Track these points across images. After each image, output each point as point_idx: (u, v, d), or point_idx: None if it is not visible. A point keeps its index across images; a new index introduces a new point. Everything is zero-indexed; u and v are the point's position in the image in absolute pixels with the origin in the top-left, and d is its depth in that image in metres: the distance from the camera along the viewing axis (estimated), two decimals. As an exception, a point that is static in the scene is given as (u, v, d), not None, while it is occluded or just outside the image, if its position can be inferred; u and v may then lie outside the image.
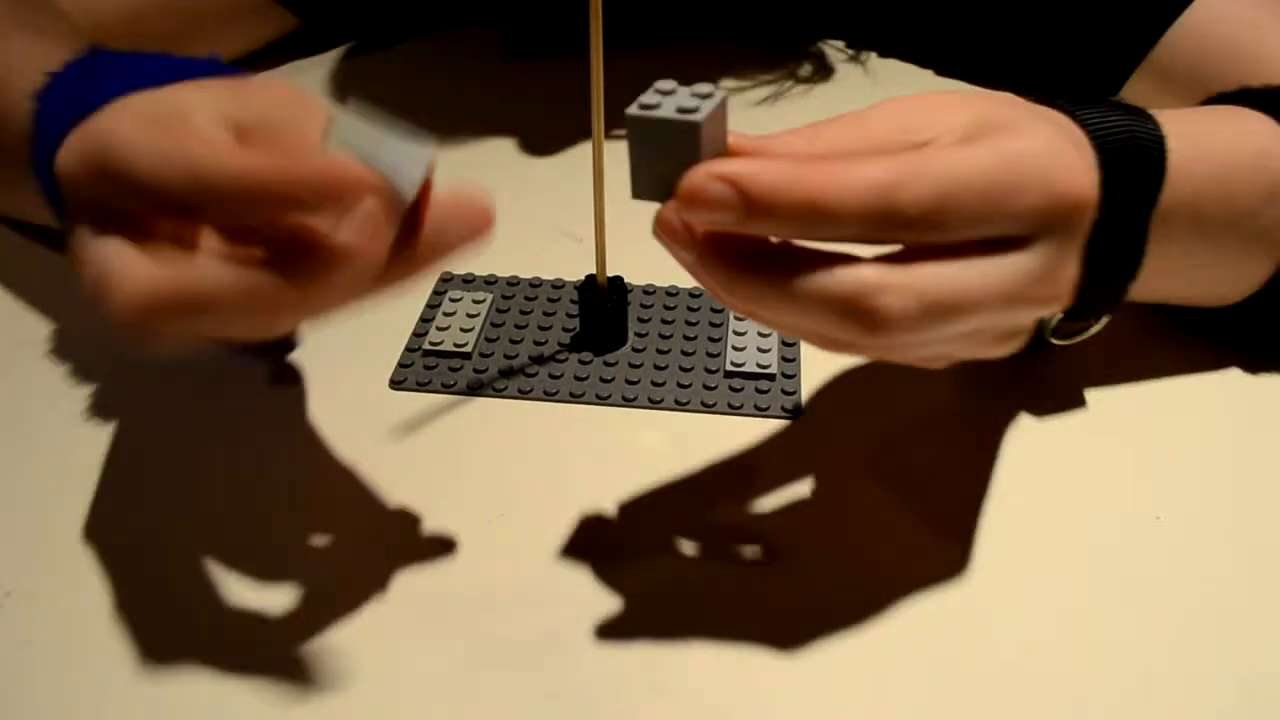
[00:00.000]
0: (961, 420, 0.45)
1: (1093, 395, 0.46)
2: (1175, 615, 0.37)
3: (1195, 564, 0.39)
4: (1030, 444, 0.44)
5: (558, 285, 0.53)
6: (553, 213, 0.60)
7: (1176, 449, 0.44)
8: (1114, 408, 0.46)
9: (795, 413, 0.45)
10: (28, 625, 0.37)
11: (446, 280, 0.53)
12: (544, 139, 0.68)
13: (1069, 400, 0.46)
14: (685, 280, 0.53)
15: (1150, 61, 0.59)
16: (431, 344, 0.49)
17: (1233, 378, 0.47)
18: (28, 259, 0.56)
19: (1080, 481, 0.42)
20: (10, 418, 0.46)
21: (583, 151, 0.65)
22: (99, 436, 0.45)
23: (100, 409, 0.46)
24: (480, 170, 0.64)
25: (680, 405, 0.46)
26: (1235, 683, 0.35)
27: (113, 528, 0.41)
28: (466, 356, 0.48)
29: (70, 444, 0.45)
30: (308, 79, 0.75)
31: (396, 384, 0.47)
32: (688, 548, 0.40)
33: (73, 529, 0.41)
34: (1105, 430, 0.45)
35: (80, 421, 0.46)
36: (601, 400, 0.46)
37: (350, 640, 0.36)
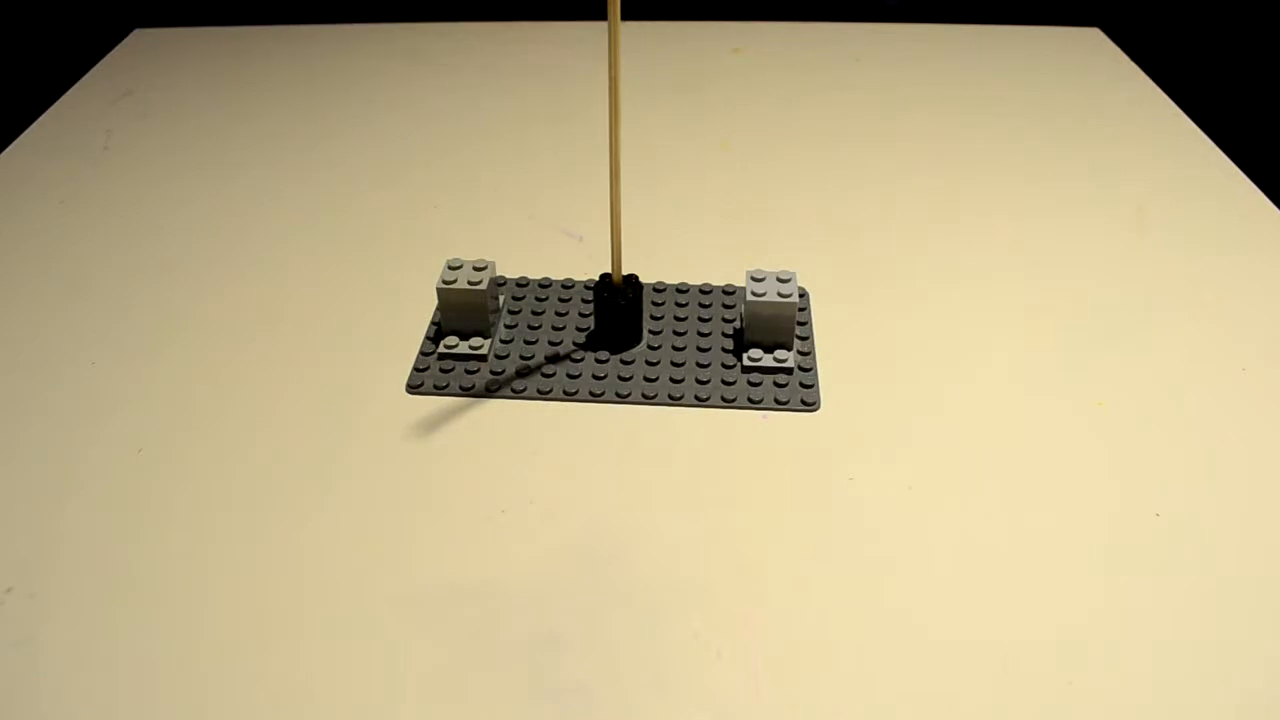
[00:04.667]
0: (971, 415, 0.46)
1: (1093, 393, 0.47)
2: (1175, 611, 0.38)
3: (1194, 560, 0.39)
4: (1032, 440, 0.45)
5: (567, 285, 0.53)
6: (551, 212, 0.60)
7: (1176, 446, 0.44)
8: (1114, 405, 0.47)
9: (814, 406, 0.46)
10: (28, 622, 0.37)
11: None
12: (541, 137, 0.68)
13: (1070, 397, 0.47)
14: (695, 278, 0.54)
15: None
16: (447, 347, 0.48)
17: (1233, 375, 0.48)
18: (27, 266, 0.55)
19: (1081, 478, 0.43)
20: (11, 416, 0.45)
21: (579, 150, 0.66)
22: (101, 434, 0.44)
23: (103, 407, 0.46)
24: (478, 168, 0.64)
25: (700, 401, 0.46)
26: (1235, 679, 0.35)
27: (114, 525, 0.41)
28: (482, 359, 0.48)
29: (71, 442, 0.44)
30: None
31: (413, 388, 0.47)
32: (701, 541, 0.40)
33: (73, 527, 0.40)
34: (1106, 427, 0.45)
35: (82, 419, 0.45)
36: (621, 398, 0.46)
37: (351, 639, 0.36)
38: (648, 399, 0.46)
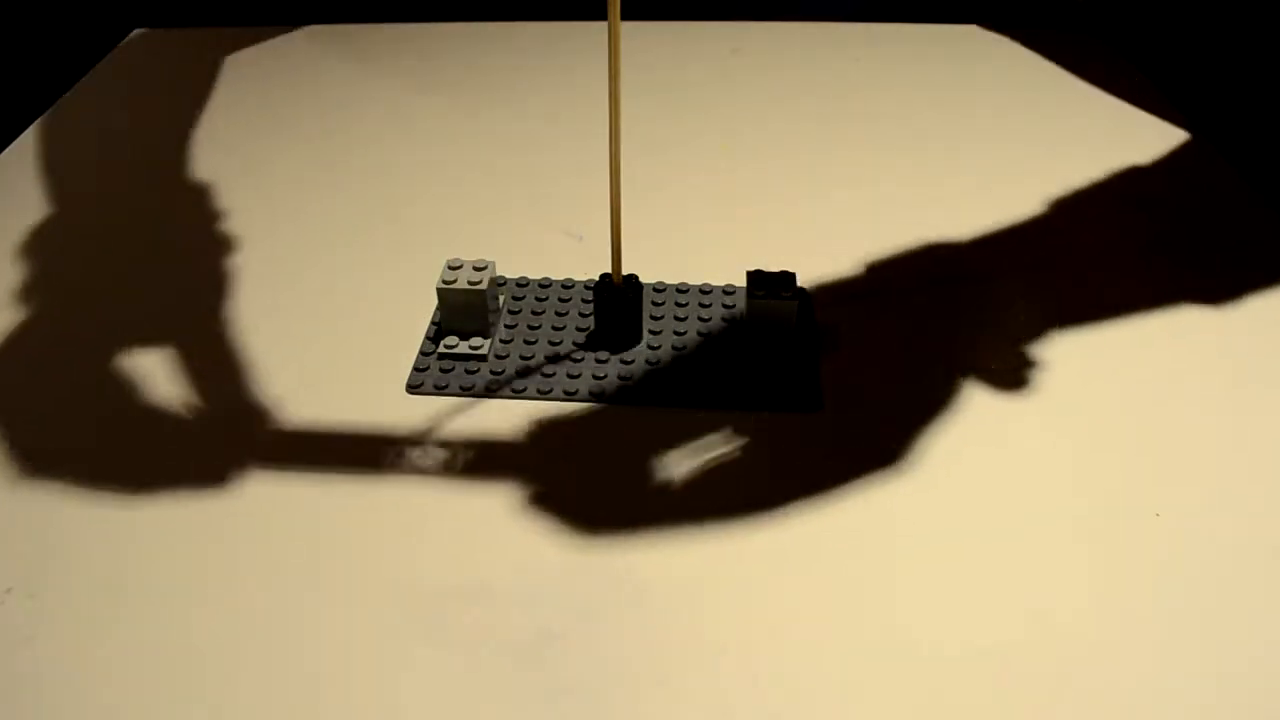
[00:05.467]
0: (970, 415, 0.46)
1: (1094, 392, 0.47)
2: (1175, 611, 0.37)
3: (1194, 560, 0.39)
4: (1033, 441, 0.45)
5: (567, 285, 0.53)
6: (551, 212, 0.60)
7: (1176, 446, 0.44)
8: (1115, 405, 0.47)
9: (815, 406, 0.46)
10: (28, 622, 0.37)
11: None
12: (541, 137, 0.68)
13: (1071, 397, 0.47)
14: (695, 277, 0.54)
15: None
16: (447, 347, 0.48)
17: (1233, 375, 0.48)
18: (27, 267, 0.55)
19: (1081, 478, 0.43)
20: (11, 417, 0.45)
21: (579, 150, 0.66)
22: (102, 436, 0.44)
23: (105, 410, 0.46)
24: (478, 168, 0.64)
25: (700, 401, 0.46)
26: (1234, 679, 0.35)
27: (114, 526, 0.41)
28: (482, 359, 0.48)
29: (72, 442, 0.44)
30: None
31: (413, 388, 0.47)
32: (702, 541, 0.40)
33: (73, 527, 0.41)
34: (1107, 428, 0.45)
35: (83, 420, 0.45)
36: (622, 398, 0.46)
37: (351, 640, 0.36)
38: (648, 399, 0.46)
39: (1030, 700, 0.34)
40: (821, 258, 0.55)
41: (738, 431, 0.45)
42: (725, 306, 0.52)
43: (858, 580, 0.38)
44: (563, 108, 0.72)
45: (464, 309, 0.48)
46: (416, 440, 0.44)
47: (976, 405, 0.46)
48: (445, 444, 0.44)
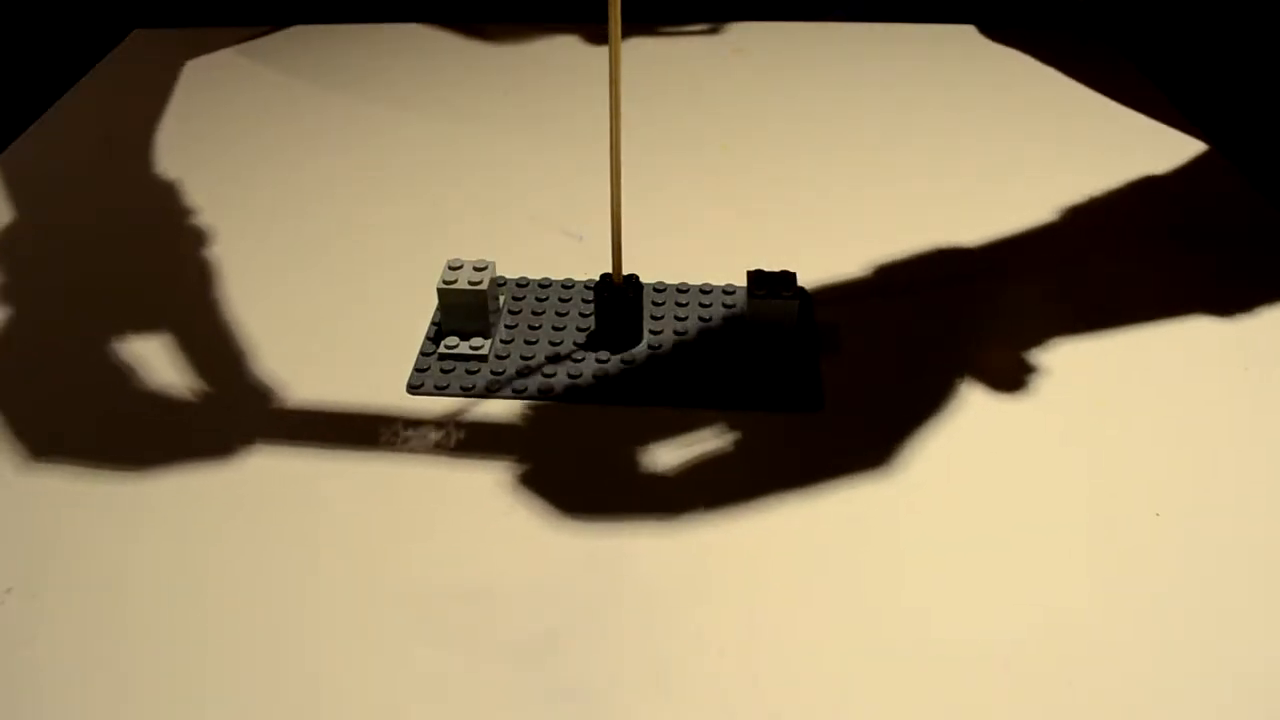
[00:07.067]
0: (970, 415, 0.46)
1: (1094, 392, 0.47)
2: (1175, 611, 0.37)
3: (1195, 560, 0.39)
4: (1033, 441, 0.45)
5: (567, 285, 0.53)
6: (551, 212, 0.60)
7: (1176, 446, 0.44)
8: (1115, 405, 0.47)
9: (814, 406, 0.46)
10: (28, 622, 0.37)
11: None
12: (541, 137, 0.68)
13: (1071, 397, 0.47)
14: (695, 277, 0.54)
15: None
16: (447, 347, 0.48)
17: (1234, 375, 0.48)
18: (27, 268, 0.55)
19: (1081, 478, 0.43)
20: (12, 417, 0.45)
21: (579, 150, 0.66)
22: (102, 437, 0.44)
23: (104, 412, 0.46)
24: (478, 168, 0.64)
25: (700, 401, 0.46)
26: (1234, 679, 0.35)
27: (114, 526, 0.41)
28: (483, 359, 0.48)
29: (73, 443, 0.44)
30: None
31: (414, 389, 0.47)
32: (702, 540, 0.40)
33: (73, 527, 0.41)
34: (1107, 427, 0.45)
35: (83, 422, 0.45)
36: (622, 398, 0.46)
37: (352, 640, 0.36)
38: (648, 399, 0.46)
39: (1031, 699, 0.34)
40: (821, 258, 0.55)
41: (738, 431, 0.45)
42: (725, 306, 0.52)
43: (858, 580, 0.38)
44: (563, 108, 0.72)
45: (464, 309, 0.48)
46: (416, 442, 0.44)
47: (976, 405, 0.46)
48: (445, 445, 0.44)
